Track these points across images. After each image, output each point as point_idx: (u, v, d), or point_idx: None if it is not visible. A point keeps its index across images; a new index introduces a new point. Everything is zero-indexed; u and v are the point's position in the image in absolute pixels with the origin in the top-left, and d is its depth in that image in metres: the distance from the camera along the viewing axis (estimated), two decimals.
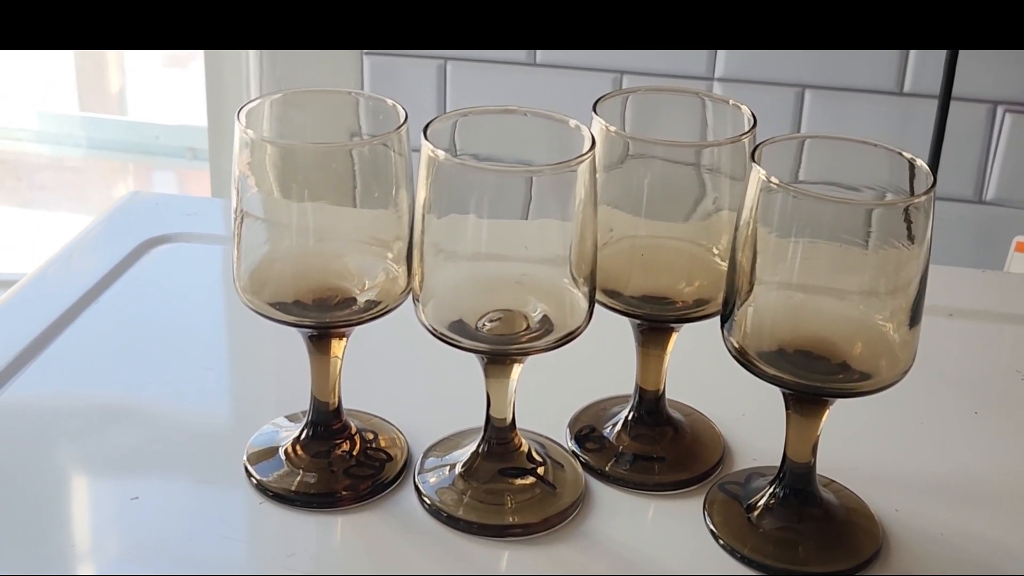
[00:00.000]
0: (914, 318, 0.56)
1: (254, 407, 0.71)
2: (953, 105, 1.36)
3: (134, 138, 2.32)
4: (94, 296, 0.81)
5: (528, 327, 0.59)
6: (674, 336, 0.65)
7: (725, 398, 0.71)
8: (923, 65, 1.40)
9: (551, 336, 0.58)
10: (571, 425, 0.68)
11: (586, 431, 0.68)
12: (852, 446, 0.67)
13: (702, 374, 0.71)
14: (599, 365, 0.73)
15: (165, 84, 2.56)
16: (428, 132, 0.56)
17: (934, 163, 1.34)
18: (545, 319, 0.59)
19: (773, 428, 0.62)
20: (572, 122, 0.58)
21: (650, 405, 0.67)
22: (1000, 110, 1.41)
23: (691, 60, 1.46)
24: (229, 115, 1.63)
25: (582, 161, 0.55)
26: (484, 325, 0.59)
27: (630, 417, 0.67)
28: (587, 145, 0.56)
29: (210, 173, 1.57)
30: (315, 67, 1.48)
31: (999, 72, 1.39)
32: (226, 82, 1.58)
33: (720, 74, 1.46)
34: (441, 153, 0.55)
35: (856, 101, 1.43)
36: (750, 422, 0.69)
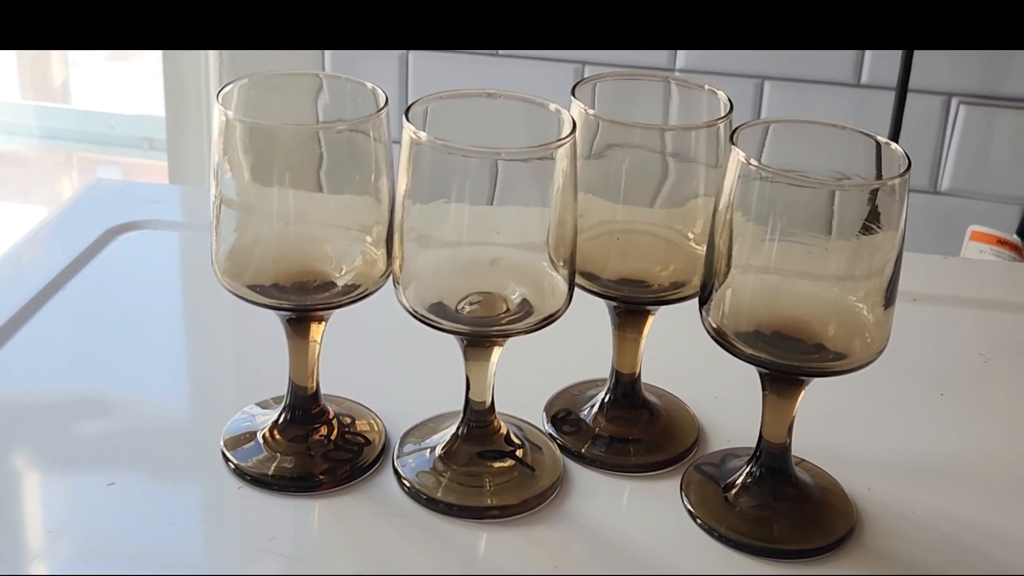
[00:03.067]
0: (889, 299, 0.57)
1: (226, 394, 0.71)
2: (909, 97, 1.38)
3: (87, 127, 2.30)
4: (60, 284, 0.80)
5: (508, 309, 0.59)
6: (650, 319, 0.65)
7: (698, 382, 0.71)
8: (880, 57, 1.42)
9: (531, 319, 0.59)
10: (547, 408, 0.69)
11: (563, 414, 0.68)
12: (825, 427, 0.68)
13: (676, 358, 0.72)
14: (575, 349, 0.73)
15: (109, 77, 2.54)
16: (409, 114, 0.56)
17: None
18: (524, 302, 0.59)
19: (745, 411, 0.63)
20: (552, 106, 0.59)
21: (626, 388, 0.67)
22: (955, 102, 1.43)
23: (653, 51, 1.47)
24: (188, 104, 1.62)
25: (562, 144, 0.56)
26: (464, 308, 0.59)
27: (606, 400, 0.68)
28: (567, 129, 0.57)
29: (168, 162, 1.56)
30: (276, 55, 1.48)
31: (954, 65, 1.41)
32: (184, 70, 1.57)
33: (681, 65, 1.47)
34: (423, 135, 0.55)
35: (814, 93, 1.45)
36: (723, 405, 0.70)
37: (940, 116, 1.44)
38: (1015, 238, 1.32)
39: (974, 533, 0.62)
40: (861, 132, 0.59)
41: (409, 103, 0.57)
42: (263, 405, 0.66)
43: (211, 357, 0.76)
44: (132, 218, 0.89)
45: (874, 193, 0.56)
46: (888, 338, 0.58)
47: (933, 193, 1.46)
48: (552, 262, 0.58)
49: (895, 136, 1.36)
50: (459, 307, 0.59)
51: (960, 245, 1.36)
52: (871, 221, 0.56)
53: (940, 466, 0.67)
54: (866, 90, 1.44)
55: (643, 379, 0.68)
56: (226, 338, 0.78)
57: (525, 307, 0.59)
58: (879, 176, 0.58)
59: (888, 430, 0.70)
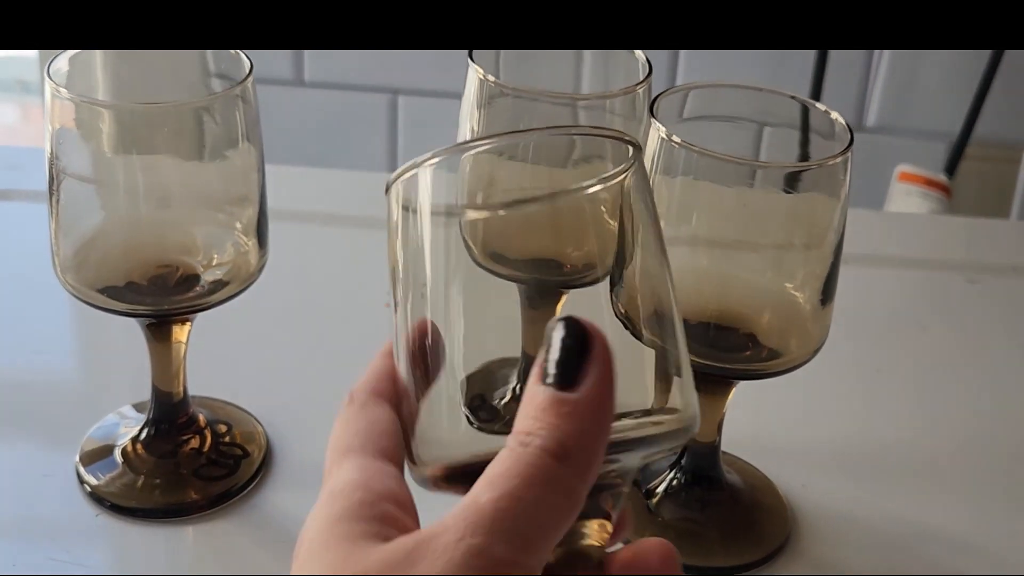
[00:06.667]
0: (827, 292, 0.51)
1: (95, 396, 0.62)
2: None
3: None
4: None
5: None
6: (563, 299, 0.59)
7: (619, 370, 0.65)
8: None
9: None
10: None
11: (477, 402, 0.61)
12: (755, 416, 0.62)
13: None
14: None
15: None
16: None
17: (816, 90, 1.30)
18: None
19: None
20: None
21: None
22: None
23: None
24: None
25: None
26: None
27: (519, 390, 0.61)
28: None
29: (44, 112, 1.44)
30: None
31: None
32: None
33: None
34: None
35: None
36: None
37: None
38: (943, 178, 1.28)
39: (915, 532, 0.57)
40: (785, 95, 0.52)
41: None
42: (140, 407, 0.58)
43: (80, 354, 0.68)
44: None
45: (804, 147, 0.50)
46: (826, 334, 0.52)
47: (859, 130, 1.40)
48: None
49: (820, 69, 1.29)
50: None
51: (886, 187, 1.31)
52: (807, 198, 0.49)
53: (879, 454, 0.62)
54: None
55: None
56: (97, 331, 0.69)
57: None
58: (805, 139, 0.52)
59: (822, 415, 0.65)
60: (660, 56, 1.29)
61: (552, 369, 0.31)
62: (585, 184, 0.35)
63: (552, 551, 0.31)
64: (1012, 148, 1.35)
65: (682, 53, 1.36)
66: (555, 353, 0.32)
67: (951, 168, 1.30)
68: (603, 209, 0.55)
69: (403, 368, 0.35)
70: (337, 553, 0.30)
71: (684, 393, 0.36)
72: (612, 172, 0.35)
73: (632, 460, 0.34)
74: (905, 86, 1.36)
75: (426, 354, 0.36)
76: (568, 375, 0.31)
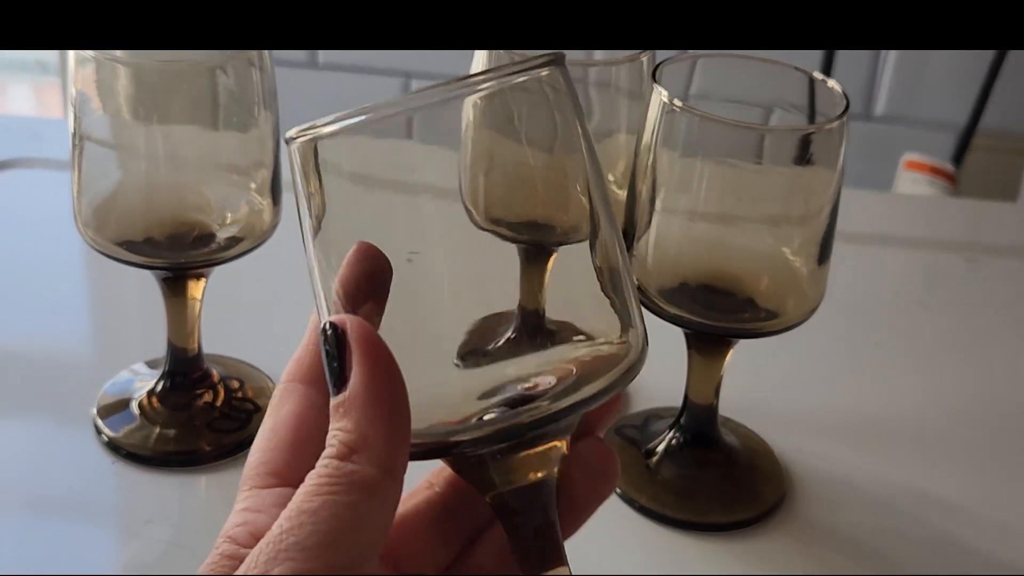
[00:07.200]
0: (823, 253, 0.52)
1: (111, 353, 0.64)
2: None
3: None
4: None
5: None
6: (554, 257, 0.60)
7: None
8: None
9: None
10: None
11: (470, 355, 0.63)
12: (754, 383, 0.64)
13: None
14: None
15: None
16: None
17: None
18: None
19: (674, 368, 0.58)
20: None
21: (531, 325, 0.62)
22: None
23: None
24: None
25: None
26: None
27: (512, 336, 0.62)
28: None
29: (62, 89, 1.46)
30: None
31: None
32: None
33: None
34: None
35: None
36: (648, 361, 0.65)
37: None
38: (949, 167, 1.29)
39: (909, 495, 0.58)
40: (793, 67, 0.53)
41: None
42: (153, 364, 0.60)
43: (98, 313, 0.69)
44: (10, 156, 0.82)
45: (811, 136, 0.51)
46: (823, 295, 0.53)
47: (866, 120, 1.41)
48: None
49: (828, 58, 1.31)
50: None
51: (893, 174, 1.32)
52: (807, 166, 0.51)
53: (875, 423, 0.63)
54: None
55: None
56: (116, 291, 0.71)
57: None
58: (811, 113, 0.53)
59: (821, 384, 0.66)
60: (679, 75, 1.31)
61: (328, 379, 0.31)
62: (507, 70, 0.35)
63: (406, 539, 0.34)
64: (1019, 139, 1.36)
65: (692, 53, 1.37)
66: (324, 365, 0.32)
67: (958, 158, 1.31)
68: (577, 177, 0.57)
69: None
70: None
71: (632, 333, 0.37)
72: (532, 59, 0.35)
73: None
74: (914, 76, 1.37)
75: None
76: (338, 377, 0.31)
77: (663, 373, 0.62)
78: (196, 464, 0.55)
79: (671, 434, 0.57)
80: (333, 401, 0.31)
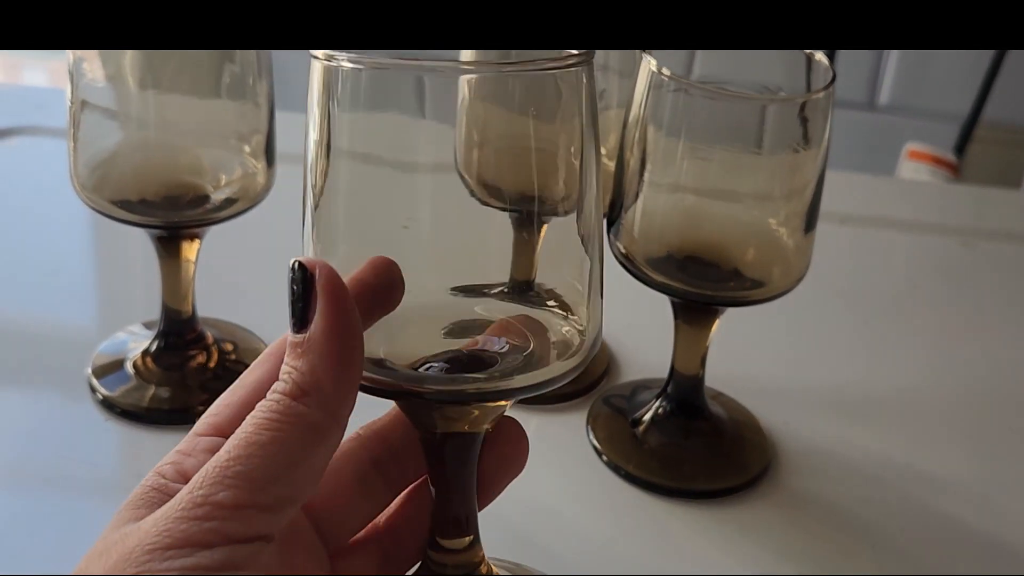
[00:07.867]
0: (809, 223, 0.53)
1: (109, 315, 0.65)
2: None
3: None
4: None
5: None
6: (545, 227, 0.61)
7: (610, 307, 0.67)
8: None
9: None
10: None
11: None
12: (741, 357, 0.65)
13: None
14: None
15: None
16: None
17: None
18: None
19: (661, 339, 0.59)
20: None
21: (521, 286, 0.63)
22: None
23: None
24: None
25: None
26: None
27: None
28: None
29: None
30: None
31: None
32: None
33: None
34: None
35: None
36: (636, 333, 0.66)
37: None
38: (952, 157, 1.29)
39: (894, 471, 0.59)
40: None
41: None
42: (149, 325, 0.61)
43: (97, 277, 0.70)
44: (13, 124, 0.83)
45: (803, 107, 0.52)
46: (808, 265, 0.54)
47: (870, 110, 1.41)
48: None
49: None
50: None
51: (896, 164, 1.33)
52: (794, 138, 0.51)
53: (862, 399, 0.64)
54: None
55: None
56: (115, 256, 0.72)
57: None
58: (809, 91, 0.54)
59: (809, 360, 0.67)
60: (676, 56, 1.31)
61: (289, 316, 0.32)
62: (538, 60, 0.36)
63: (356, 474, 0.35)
64: (1021, 131, 1.37)
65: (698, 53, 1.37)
66: (289, 299, 0.32)
67: (961, 148, 1.31)
68: (571, 150, 0.58)
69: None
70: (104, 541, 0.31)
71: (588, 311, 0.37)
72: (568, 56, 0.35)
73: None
74: (917, 66, 1.37)
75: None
76: (300, 317, 0.32)
77: (651, 345, 0.63)
78: (189, 423, 0.56)
79: (658, 403, 0.58)
80: (292, 338, 0.32)
